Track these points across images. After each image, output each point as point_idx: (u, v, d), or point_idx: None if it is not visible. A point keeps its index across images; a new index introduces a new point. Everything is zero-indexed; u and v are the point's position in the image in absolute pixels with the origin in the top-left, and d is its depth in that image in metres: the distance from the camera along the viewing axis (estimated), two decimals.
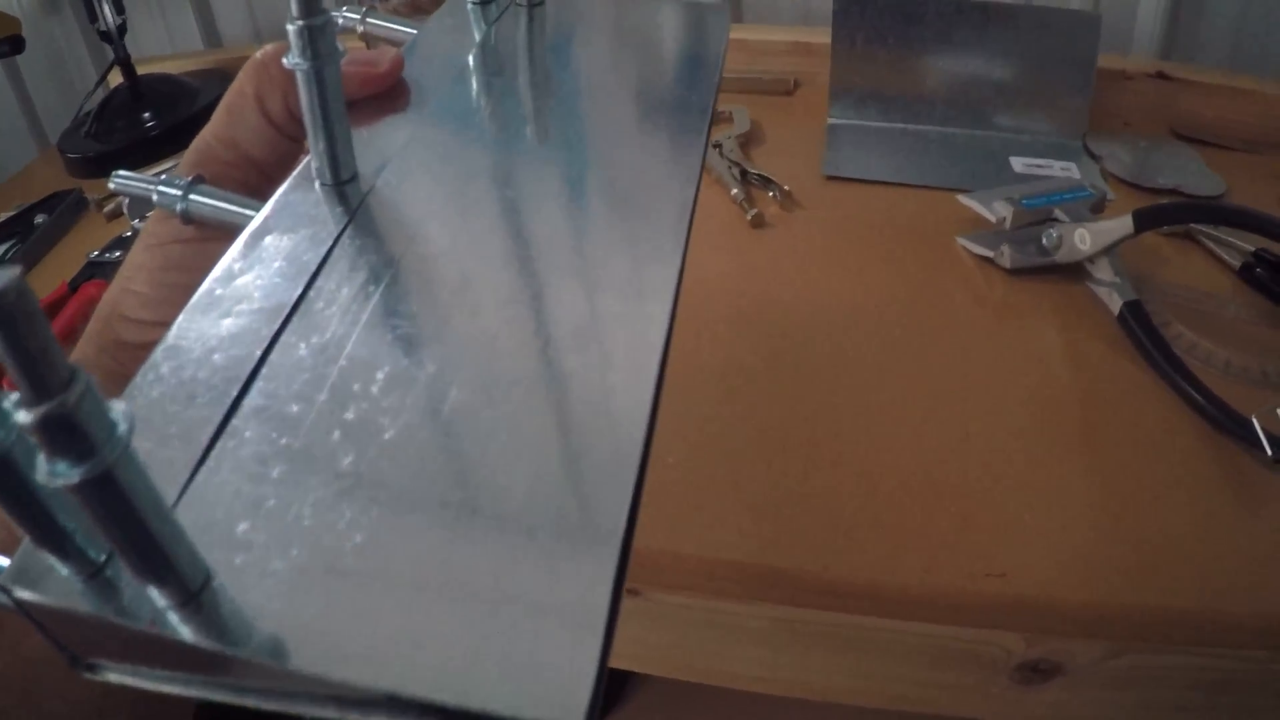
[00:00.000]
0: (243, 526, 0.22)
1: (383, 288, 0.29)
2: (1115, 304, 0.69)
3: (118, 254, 0.88)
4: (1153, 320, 0.67)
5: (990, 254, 0.76)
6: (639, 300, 0.30)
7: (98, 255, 0.89)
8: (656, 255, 0.32)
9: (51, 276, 0.88)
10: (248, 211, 0.34)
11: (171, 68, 1.26)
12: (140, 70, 1.18)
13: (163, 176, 0.36)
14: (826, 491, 0.58)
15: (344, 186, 0.34)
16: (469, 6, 0.46)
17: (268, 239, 0.31)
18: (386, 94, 0.39)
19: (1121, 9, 1.06)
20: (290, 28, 0.31)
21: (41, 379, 0.16)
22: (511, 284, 0.30)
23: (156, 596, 0.21)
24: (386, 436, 0.24)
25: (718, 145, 0.91)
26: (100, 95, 1.20)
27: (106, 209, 1.00)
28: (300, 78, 0.32)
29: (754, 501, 0.57)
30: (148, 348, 0.29)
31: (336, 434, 0.24)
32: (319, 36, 0.31)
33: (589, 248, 0.33)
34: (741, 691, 0.58)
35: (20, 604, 0.22)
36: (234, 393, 0.25)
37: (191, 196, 0.36)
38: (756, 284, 0.75)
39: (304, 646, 0.20)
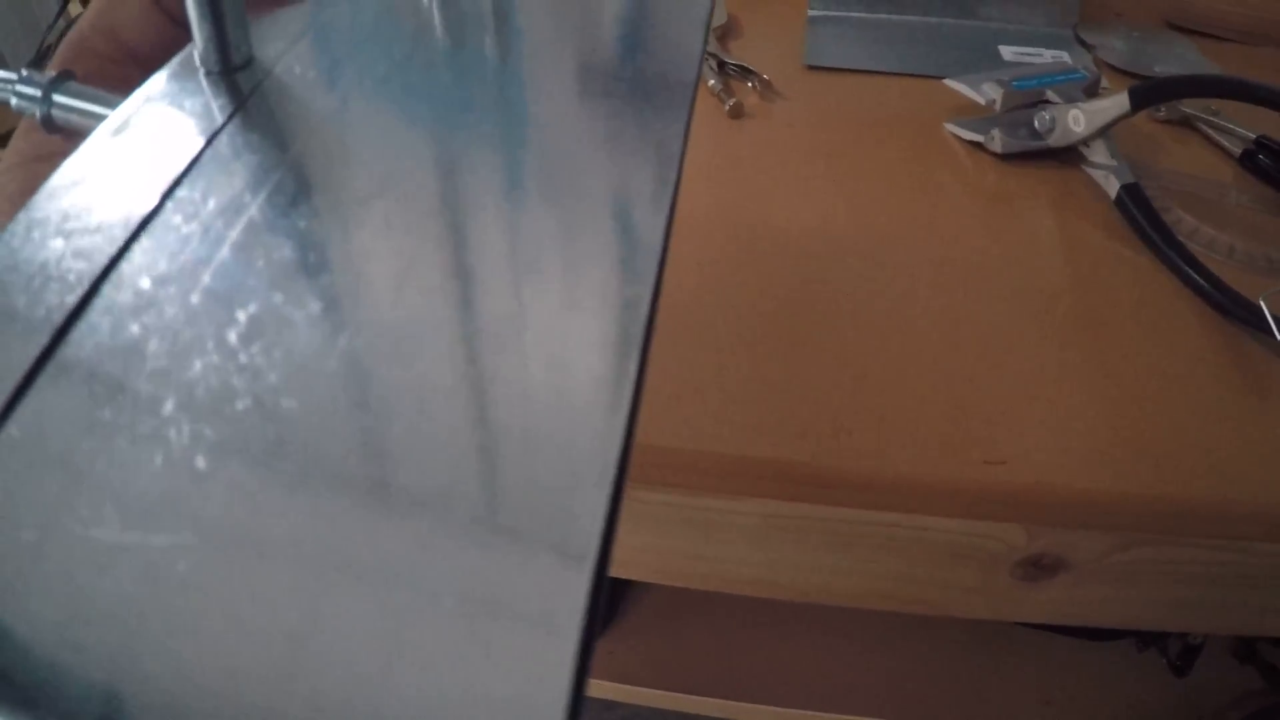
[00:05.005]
0: (28, 533, 0.16)
1: (264, 198, 0.23)
2: (1112, 187, 0.66)
3: None
4: (1153, 204, 0.64)
5: (980, 139, 0.72)
6: (628, 216, 0.24)
7: None
8: (646, 171, 0.26)
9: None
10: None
11: None
12: None
13: (23, 73, 0.29)
14: (811, 380, 0.54)
15: (235, 74, 0.27)
16: None
17: (125, 136, 0.24)
18: None
19: None
20: None
21: None
22: (441, 194, 0.24)
23: None
24: (240, 406, 0.18)
25: None
26: (61, 26, 1.16)
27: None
28: None
29: (736, 391, 0.54)
30: None
31: (170, 403, 0.18)
32: None
33: (548, 152, 0.27)
34: (741, 598, 0.56)
35: None
36: (44, 342, 0.19)
37: (55, 97, 0.29)
38: (737, 174, 0.71)
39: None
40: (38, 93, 0.29)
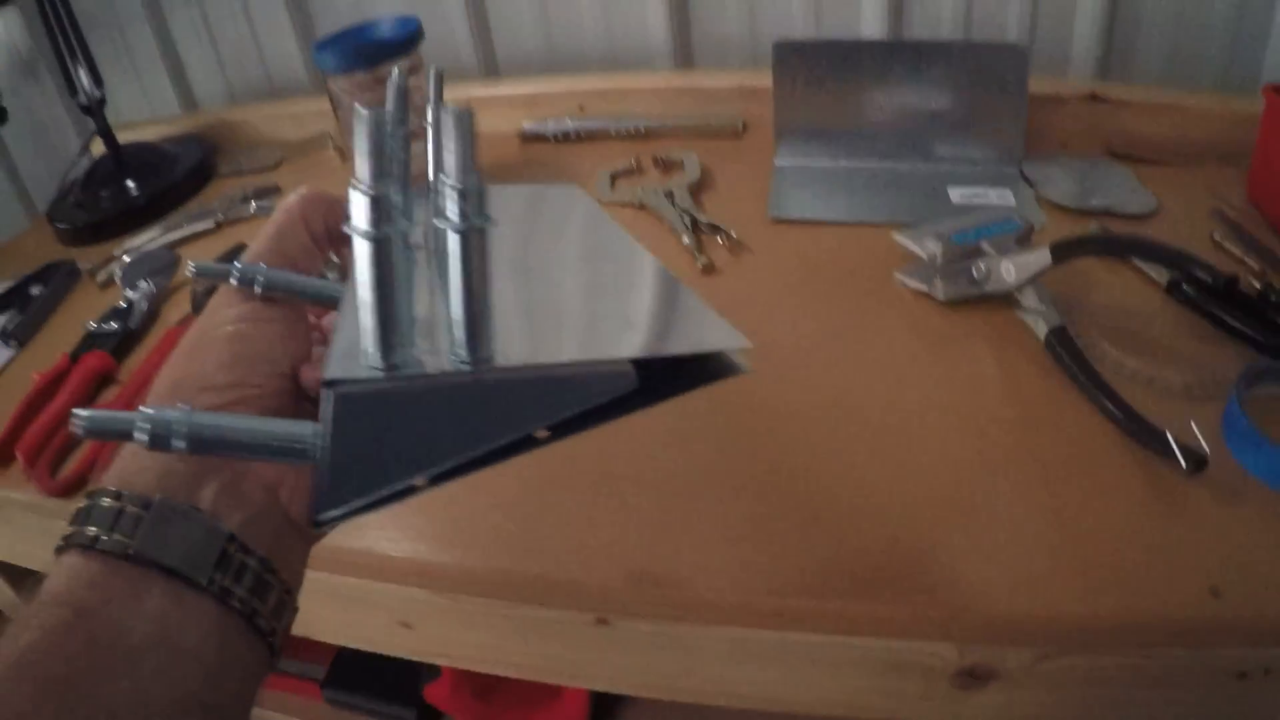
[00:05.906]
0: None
1: None
2: (1042, 330, 0.73)
3: (114, 325, 0.93)
4: (1078, 343, 0.71)
5: (925, 288, 0.81)
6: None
7: (96, 326, 0.93)
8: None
9: (50, 348, 0.92)
10: (314, 282, 0.45)
11: (150, 133, 1.30)
12: (120, 135, 1.22)
13: (236, 263, 0.44)
14: (770, 523, 0.63)
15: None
16: None
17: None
18: None
19: (1057, 31, 1.10)
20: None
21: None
22: None
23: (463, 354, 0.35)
24: None
25: (669, 194, 0.96)
26: (85, 164, 1.24)
27: (100, 278, 1.05)
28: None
29: (705, 534, 0.63)
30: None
31: None
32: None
33: None
34: (715, 708, 0.63)
35: (343, 395, 0.34)
36: None
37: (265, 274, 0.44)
38: None
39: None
40: (256, 276, 0.44)
